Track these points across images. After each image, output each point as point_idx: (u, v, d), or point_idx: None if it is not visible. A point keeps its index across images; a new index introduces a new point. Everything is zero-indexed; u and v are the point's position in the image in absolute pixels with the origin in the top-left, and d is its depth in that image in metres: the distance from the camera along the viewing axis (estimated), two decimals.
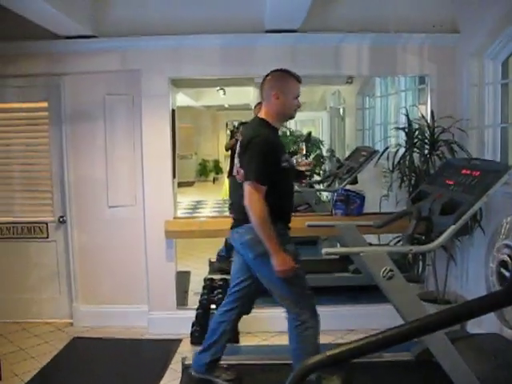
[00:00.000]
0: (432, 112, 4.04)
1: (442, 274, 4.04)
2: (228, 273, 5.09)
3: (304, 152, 3.62)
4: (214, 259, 5.68)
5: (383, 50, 4.13)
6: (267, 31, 4.09)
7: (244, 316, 4.25)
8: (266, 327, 4.26)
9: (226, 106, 12.12)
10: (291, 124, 8.38)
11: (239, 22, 4.10)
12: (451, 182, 3.01)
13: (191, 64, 4.13)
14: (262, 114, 2.99)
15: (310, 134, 6.76)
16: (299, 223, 4.23)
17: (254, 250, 2.91)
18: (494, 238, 2.14)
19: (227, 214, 6.87)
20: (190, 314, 4.21)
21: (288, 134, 7.91)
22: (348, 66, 4.18)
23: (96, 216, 4.34)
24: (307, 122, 9.69)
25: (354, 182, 5.10)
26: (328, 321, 4.21)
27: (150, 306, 4.32)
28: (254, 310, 4.36)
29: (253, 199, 2.76)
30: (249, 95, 9.24)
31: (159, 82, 4.13)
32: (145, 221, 4.26)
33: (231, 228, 3.10)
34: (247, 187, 2.78)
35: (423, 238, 4.15)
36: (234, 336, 4.07)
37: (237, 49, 4.14)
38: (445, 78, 4.14)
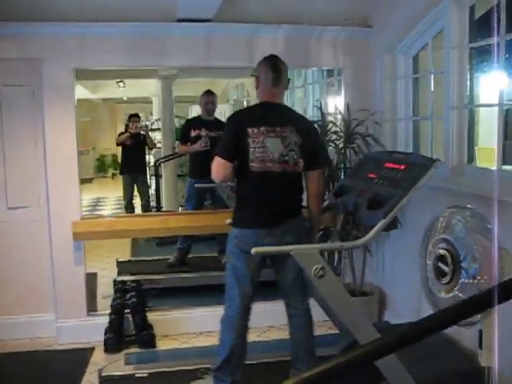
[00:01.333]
0: (348, 105, 4.06)
1: (358, 266, 4.09)
2: (138, 273, 4.92)
3: None
4: (122, 258, 5.42)
5: (298, 42, 4.08)
6: (179, 20, 3.90)
7: (159, 317, 4.09)
8: (186, 329, 4.10)
9: (125, 98, 11.69)
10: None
11: (149, 10, 3.87)
12: (374, 176, 3.01)
13: (98, 54, 3.84)
14: (283, 101, 3.13)
15: None
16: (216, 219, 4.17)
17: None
18: (429, 233, 2.14)
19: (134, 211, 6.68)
20: (102, 320, 3.97)
21: None
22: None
23: None
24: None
25: None
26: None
27: (57, 314, 4.00)
28: (170, 312, 4.23)
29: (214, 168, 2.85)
30: (149, 88, 8.98)
31: (63, 72, 3.80)
32: (50, 222, 3.93)
33: (274, 224, 2.88)
34: (320, 174, 2.98)
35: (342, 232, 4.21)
36: (150, 340, 3.89)
37: (146, 38, 3.90)
38: (358, 71, 4.17)
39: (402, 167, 2.86)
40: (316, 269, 2.54)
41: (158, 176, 6.77)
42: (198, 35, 3.94)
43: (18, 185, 3.91)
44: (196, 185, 4.99)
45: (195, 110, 9.18)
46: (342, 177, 4.19)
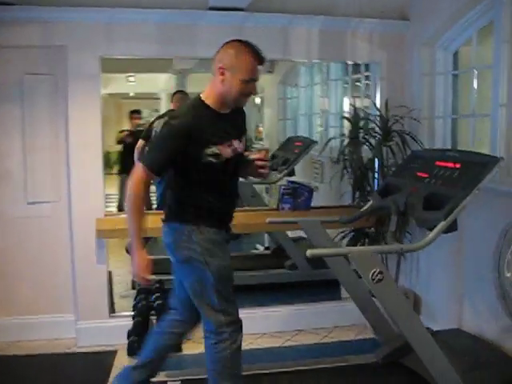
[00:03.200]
0: (386, 101, 3.89)
1: (392, 270, 3.92)
2: (158, 272, 4.73)
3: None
4: None
5: (333, 35, 3.92)
6: (211, 8, 3.71)
7: None
8: None
9: (132, 94, 11.44)
10: None
11: None
12: (425, 175, 2.85)
13: (125, 42, 3.65)
14: (203, 93, 2.45)
15: None
16: (244, 218, 3.99)
17: (175, 255, 2.54)
18: (503, 242, 1.98)
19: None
20: (124, 322, 3.78)
21: None
22: (297, 50, 3.91)
23: (11, 213, 3.75)
24: None
25: (291, 173, 4.89)
26: (274, 322, 4.02)
27: (77, 315, 3.81)
28: None
29: (132, 186, 2.37)
30: (157, 83, 8.74)
31: (89, 60, 3.60)
32: (71, 219, 3.73)
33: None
34: (134, 170, 2.38)
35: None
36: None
37: (176, 26, 3.71)
38: (395, 66, 4.00)
39: (458, 166, 2.71)
40: (374, 273, 2.38)
41: None
42: (230, 25, 3.75)
43: (39, 179, 3.72)
44: None
45: None
46: (377, 176, 4.05)
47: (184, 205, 2.45)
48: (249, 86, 2.38)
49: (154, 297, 3.85)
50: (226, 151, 2.41)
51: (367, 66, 4.88)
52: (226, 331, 2.48)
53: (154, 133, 5.15)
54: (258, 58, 2.37)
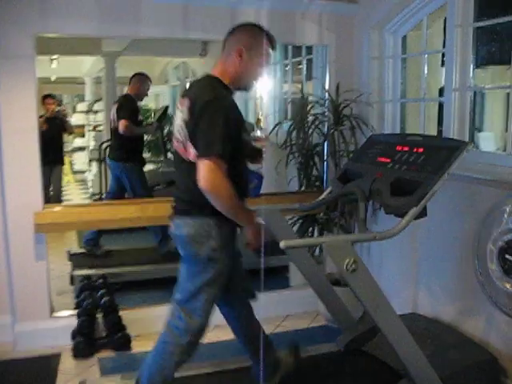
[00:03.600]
0: (337, 85, 3.82)
1: None
2: (98, 266, 4.47)
3: (262, 124, 3.04)
4: (73, 250, 4.94)
5: (282, 16, 3.79)
6: None
7: (129, 316, 3.68)
8: (160, 327, 3.73)
9: (53, 78, 10.81)
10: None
11: None
12: (387, 160, 2.80)
13: (64, 18, 3.34)
14: (215, 72, 2.35)
15: (166, 108, 6.17)
16: None
17: (185, 249, 2.34)
18: (487, 225, 1.97)
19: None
20: (67, 322, 3.54)
21: None
22: None
23: None
24: (151, 96, 9.03)
25: None
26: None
27: (14, 317, 3.52)
28: (143, 309, 3.85)
29: (217, 178, 2.13)
30: (82, 67, 8.29)
31: (21, 39, 3.28)
32: (5, 212, 3.42)
33: (170, 216, 2.47)
34: (206, 164, 2.12)
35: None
36: (126, 342, 3.51)
37: (120, 4, 3.46)
38: (344, 49, 3.94)
39: (421, 150, 2.67)
40: (348, 262, 2.30)
41: (101, 160, 6.24)
42: (176, 3, 3.54)
43: None
44: None
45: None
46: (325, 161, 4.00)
47: None
48: (261, 70, 2.40)
49: (99, 294, 3.62)
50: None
51: (309, 49, 4.82)
52: (189, 338, 2.36)
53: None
54: (273, 43, 2.41)
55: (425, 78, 3.65)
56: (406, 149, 2.76)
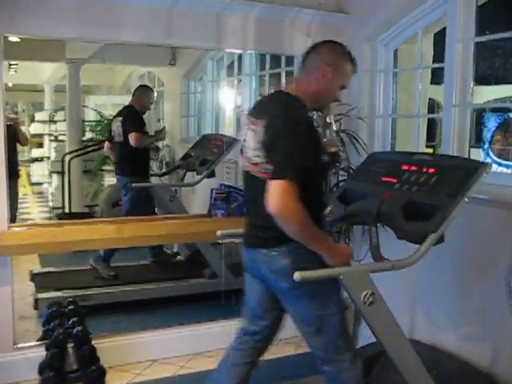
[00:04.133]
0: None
1: None
2: (65, 288, 4.12)
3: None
4: (36, 270, 4.55)
5: (271, 25, 3.59)
6: None
7: (105, 345, 3.38)
8: (136, 357, 3.45)
9: (10, 85, 10.30)
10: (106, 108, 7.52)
11: None
12: (393, 180, 2.62)
13: (35, 19, 3.03)
14: (292, 90, 2.21)
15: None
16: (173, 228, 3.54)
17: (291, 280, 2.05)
18: None
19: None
20: (33, 354, 3.21)
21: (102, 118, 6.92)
22: (232, 40, 3.53)
23: None
24: (114, 106, 8.70)
25: (212, 174, 4.52)
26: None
27: None
28: (117, 337, 3.55)
29: (288, 202, 1.96)
30: (42, 74, 7.86)
31: None
32: None
33: (250, 245, 2.31)
34: (275, 187, 1.97)
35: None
36: (100, 376, 3.19)
37: (97, 5, 3.17)
38: None
39: (432, 171, 2.50)
40: (366, 294, 2.09)
41: (63, 173, 5.86)
42: (159, 6, 3.28)
43: None
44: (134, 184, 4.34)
45: (93, 101, 8.22)
46: None
47: None
48: (340, 93, 2.31)
49: (70, 322, 3.28)
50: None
51: (288, 60, 4.63)
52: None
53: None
54: (355, 67, 2.33)
55: (419, 93, 3.51)
56: (413, 168, 2.59)
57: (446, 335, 3.12)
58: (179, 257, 5.11)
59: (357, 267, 2.16)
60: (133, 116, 4.66)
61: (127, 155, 4.64)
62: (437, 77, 3.98)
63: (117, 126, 4.67)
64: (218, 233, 2.69)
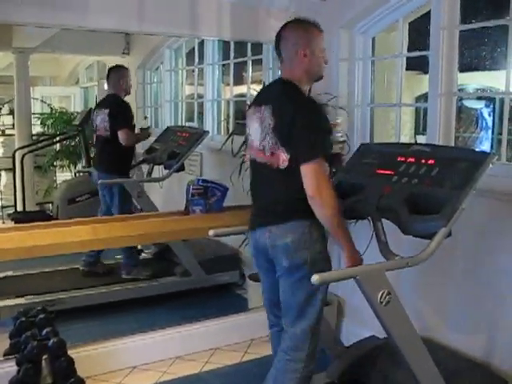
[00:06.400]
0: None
1: None
2: (33, 293, 3.81)
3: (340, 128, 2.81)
4: None
5: (246, 11, 3.44)
6: None
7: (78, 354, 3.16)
8: (116, 364, 3.25)
9: None
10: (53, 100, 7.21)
11: None
12: (389, 172, 2.53)
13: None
14: (286, 76, 2.32)
15: (90, 110, 5.57)
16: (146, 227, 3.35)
17: (293, 258, 2.20)
18: None
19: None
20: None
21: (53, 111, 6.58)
22: (207, 26, 3.35)
23: None
24: (61, 98, 8.39)
25: (181, 168, 4.34)
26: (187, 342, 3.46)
27: None
28: (93, 345, 3.33)
29: (323, 184, 2.09)
30: None
31: None
32: None
33: (256, 226, 2.33)
34: (313, 169, 2.07)
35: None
36: None
37: None
38: None
39: (432, 162, 2.43)
40: (382, 294, 2.00)
41: (14, 169, 5.51)
42: None
43: None
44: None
45: (39, 92, 7.84)
46: None
47: (302, 198, 2.13)
48: (324, 56, 2.43)
49: (44, 333, 3.03)
50: None
51: (254, 48, 4.52)
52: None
53: None
54: (319, 28, 2.43)
55: (400, 82, 3.44)
56: (411, 160, 2.51)
57: (438, 328, 3.08)
58: (144, 254, 4.90)
59: (372, 266, 2.05)
60: (123, 110, 4.27)
61: (113, 152, 4.26)
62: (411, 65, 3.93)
63: (102, 120, 4.27)
64: (211, 232, 2.54)
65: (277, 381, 2.31)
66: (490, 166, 2.24)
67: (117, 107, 4.25)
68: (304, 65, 2.30)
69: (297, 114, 2.13)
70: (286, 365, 2.29)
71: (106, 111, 4.24)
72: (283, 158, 2.16)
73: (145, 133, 4.53)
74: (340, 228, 2.15)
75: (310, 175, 2.08)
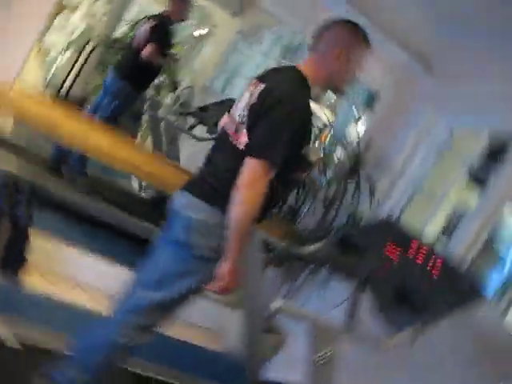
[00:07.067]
0: (369, 139, 3.56)
1: None
2: None
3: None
4: None
5: None
6: None
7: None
8: None
9: None
10: None
11: None
12: (394, 258, 2.54)
13: None
14: (303, 68, 2.10)
15: None
16: None
17: (191, 237, 2.01)
18: None
19: None
20: None
21: None
22: None
23: None
24: None
25: None
26: None
27: None
28: None
29: (257, 185, 1.90)
30: None
31: None
32: None
33: (184, 189, 2.12)
34: (254, 165, 1.90)
35: None
36: None
37: None
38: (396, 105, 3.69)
39: (437, 273, 2.44)
40: None
41: None
42: None
43: None
44: None
45: None
46: None
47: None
48: (356, 74, 2.23)
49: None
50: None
51: None
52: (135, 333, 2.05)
53: None
54: (368, 43, 2.19)
55: None
56: (419, 258, 2.52)
57: None
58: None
59: None
60: (163, 28, 4.25)
61: (137, 63, 4.20)
62: None
63: (144, 29, 4.22)
64: None
65: None
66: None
67: (160, 24, 4.24)
68: (332, 66, 2.10)
69: (277, 107, 1.94)
70: None
71: (150, 24, 4.23)
72: (242, 141, 1.98)
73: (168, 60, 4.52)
74: (241, 236, 1.95)
75: (249, 170, 1.91)
